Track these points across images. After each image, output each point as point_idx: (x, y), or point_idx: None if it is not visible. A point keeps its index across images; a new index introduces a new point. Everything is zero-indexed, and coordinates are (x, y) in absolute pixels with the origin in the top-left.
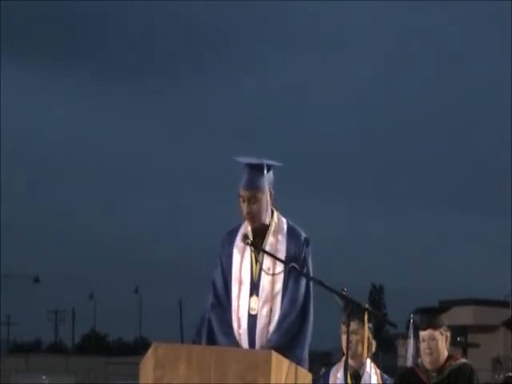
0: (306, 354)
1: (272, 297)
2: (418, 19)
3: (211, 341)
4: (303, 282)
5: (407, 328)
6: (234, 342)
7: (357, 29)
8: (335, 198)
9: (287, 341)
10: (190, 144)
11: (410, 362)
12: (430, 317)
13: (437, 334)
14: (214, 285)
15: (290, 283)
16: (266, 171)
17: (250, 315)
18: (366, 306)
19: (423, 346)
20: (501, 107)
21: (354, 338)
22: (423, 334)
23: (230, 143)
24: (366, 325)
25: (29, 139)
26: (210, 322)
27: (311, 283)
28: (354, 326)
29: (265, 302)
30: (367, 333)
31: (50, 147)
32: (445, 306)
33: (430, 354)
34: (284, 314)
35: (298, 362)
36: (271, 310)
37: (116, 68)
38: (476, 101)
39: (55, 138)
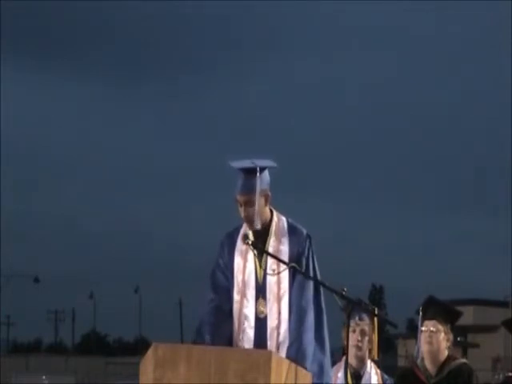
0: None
1: (279, 298)
2: (420, 20)
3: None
4: (309, 285)
5: (408, 328)
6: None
7: (357, 29)
8: (335, 198)
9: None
10: (190, 144)
11: (416, 352)
12: (439, 309)
13: (441, 327)
14: (213, 282)
15: (295, 292)
16: (259, 173)
17: (257, 318)
18: (376, 310)
19: (424, 335)
20: (501, 107)
21: (365, 338)
22: (427, 323)
23: (230, 143)
24: (376, 328)
25: (29, 140)
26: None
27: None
28: (364, 326)
29: (273, 304)
30: (371, 334)
31: (50, 148)
32: (458, 312)
33: (430, 343)
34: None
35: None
36: (279, 312)
37: (116, 69)
38: (476, 101)
39: (55, 140)
